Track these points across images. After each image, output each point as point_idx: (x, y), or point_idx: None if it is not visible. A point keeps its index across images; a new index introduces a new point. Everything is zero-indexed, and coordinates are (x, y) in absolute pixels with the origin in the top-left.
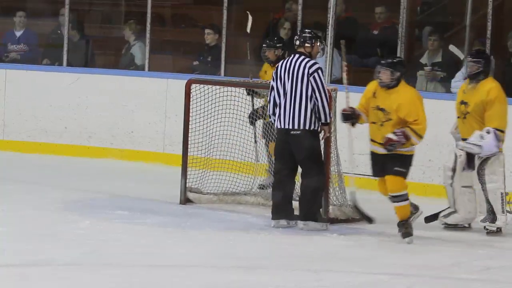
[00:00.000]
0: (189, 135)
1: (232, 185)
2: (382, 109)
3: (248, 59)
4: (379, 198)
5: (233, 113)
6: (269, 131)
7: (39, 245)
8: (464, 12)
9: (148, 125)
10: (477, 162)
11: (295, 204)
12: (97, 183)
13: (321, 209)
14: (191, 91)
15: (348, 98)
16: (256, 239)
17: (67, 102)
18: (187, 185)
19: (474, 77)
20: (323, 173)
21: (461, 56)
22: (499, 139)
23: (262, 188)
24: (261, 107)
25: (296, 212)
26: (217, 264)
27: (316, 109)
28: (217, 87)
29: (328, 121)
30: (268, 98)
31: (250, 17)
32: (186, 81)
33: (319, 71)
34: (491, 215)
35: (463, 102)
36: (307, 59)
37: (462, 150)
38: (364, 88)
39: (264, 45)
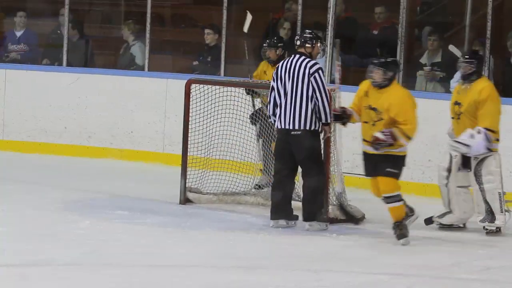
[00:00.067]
0: (189, 135)
1: (231, 185)
2: (374, 109)
3: (246, 59)
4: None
5: (233, 113)
6: (269, 131)
7: (39, 245)
8: (463, 12)
9: (147, 125)
10: (473, 163)
11: (295, 204)
12: (97, 183)
13: (322, 209)
14: (191, 91)
15: (340, 98)
16: (256, 239)
17: (66, 102)
18: (186, 185)
19: (467, 78)
20: (323, 173)
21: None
22: (489, 140)
23: (258, 188)
24: (259, 108)
25: (295, 212)
26: (217, 264)
27: (317, 109)
28: (217, 87)
29: (329, 121)
30: (268, 98)
31: (249, 16)
32: (186, 81)
33: (320, 71)
34: (490, 215)
35: (457, 103)
36: (307, 59)
37: (451, 149)
38: None
39: (265, 44)
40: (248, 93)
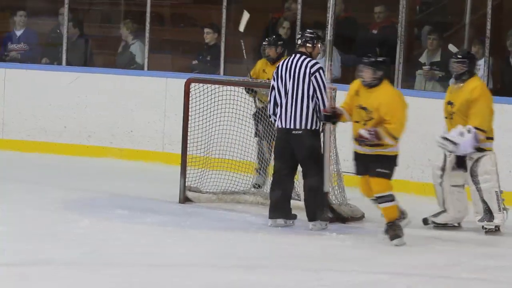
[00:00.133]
0: (188, 134)
1: (231, 184)
2: (364, 108)
3: (245, 59)
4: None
5: (232, 112)
6: (267, 130)
7: (39, 245)
8: (463, 11)
9: (147, 124)
10: (469, 163)
11: (294, 203)
12: (97, 182)
13: (324, 208)
14: (190, 90)
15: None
16: (256, 238)
17: (66, 101)
18: (186, 184)
19: (459, 77)
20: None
21: None
22: (477, 140)
23: (257, 187)
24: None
25: (294, 212)
26: (217, 264)
27: (318, 108)
28: (216, 86)
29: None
30: (269, 97)
31: (245, 15)
32: (185, 80)
33: (321, 70)
34: (488, 214)
35: (449, 103)
36: (308, 59)
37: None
38: None
39: (265, 42)
40: (248, 92)
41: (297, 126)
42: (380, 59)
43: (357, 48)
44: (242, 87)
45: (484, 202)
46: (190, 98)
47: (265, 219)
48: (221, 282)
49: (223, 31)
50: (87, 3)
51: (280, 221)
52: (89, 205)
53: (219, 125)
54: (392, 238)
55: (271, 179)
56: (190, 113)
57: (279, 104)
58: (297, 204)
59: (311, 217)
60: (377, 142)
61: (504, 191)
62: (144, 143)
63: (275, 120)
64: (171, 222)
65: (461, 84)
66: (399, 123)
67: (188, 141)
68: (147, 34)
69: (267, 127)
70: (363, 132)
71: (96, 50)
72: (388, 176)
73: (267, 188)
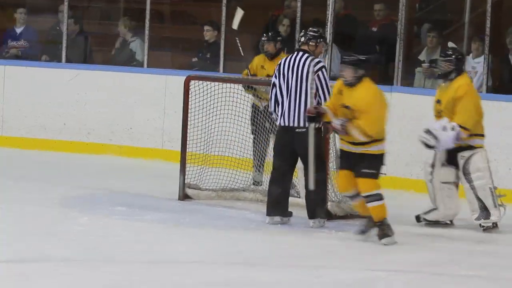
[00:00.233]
0: (188, 131)
1: (230, 181)
2: (347, 107)
3: (243, 56)
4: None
5: (232, 110)
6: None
7: (38, 242)
8: (463, 9)
9: (147, 122)
10: (461, 162)
11: (291, 200)
12: (96, 179)
13: (324, 206)
14: (190, 87)
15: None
16: (255, 235)
17: (66, 98)
18: (185, 181)
19: (446, 76)
20: (324, 170)
21: None
22: (459, 138)
23: (257, 184)
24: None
25: (291, 208)
26: (217, 261)
27: None
28: (216, 83)
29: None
30: (270, 95)
31: (238, 12)
32: (185, 77)
33: (323, 69)
34: (484, 212)
35: (438, 101)
36: (311, 57)
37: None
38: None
39: (263, 38)
40: (246, 89)
41: (301, 124)
42: (362, 57)
43: (356, 45)
44: (241, 85)
45: (479, 199)
46: (190, 96)
47: (265, 216)
48: (220, 280)
49: (222, 28)
50: (87, 0)
51: (277, 218)
52: (88, 202)
53: (219, 123)
54: (380, 238)
55: (269, 176)
56: (189, 111)
57: (280, 102)
58: (296, 201)
59: (311, 214)
60: (345, 134)
61: (504, 189)
62: (143, 140)
63: (276, 118)
64: (170, 219)
65: (450, 83)
66: (371, 120)
67: (188, 138)
68: (146, 32)
69: (261, 123)
70: (335, 122)
71: (96, 47)
72: (375, 175)
73: (266, 185)
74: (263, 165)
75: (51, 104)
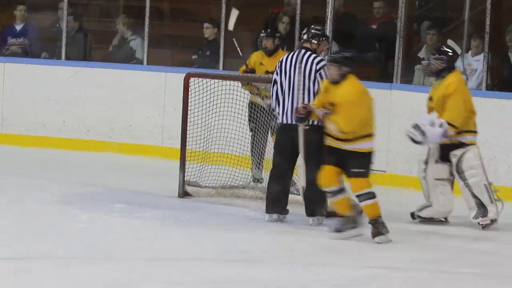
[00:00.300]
0: (188, 128)
1: (230, 178)
2: (332, 104)
3: (241, 55)
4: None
5: (231, 107)
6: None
7: (38, 239)
8: (462, 7)
9: (146, 119)
10: (453, 161)
11: (291, 197)
12: (96, 177)
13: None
14: (189, 85)
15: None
16: (255, 232)
17: (65, 95)
18: (185, 179)
19: (439, 74)
20: None
21: (459, 51)
22: (446, 135)
23: (256, 182)
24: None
25: (289, 206)
26: (217, 258)
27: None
28: (216, 81)
29: None
30: (271, 91)
31: (234, 12)
32: (184, 75)
33: (326, 67)
34: (482, 209)
35: (430, 98)
36: (314, 55)
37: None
38: (362, 82)
39: (262, 34)
40: (246, 84)
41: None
42: (346, 55)
43: (356, 43)
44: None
45: (475, 197)
46: (190, 93)
47: (264, 213)
48: (220, 277)
49: (222, 26)
50: None
51: (275, 216)
52: (88, 200)
53: (219, 120)
54: (374, 236)
55: (269, 173)
56: (189, 108)
57: (281, 100)
58: (296, 199)
59: (311, 212)
60: (334, 133)
61: (504, 187)
62: (143, 138)
63: (278, 115)
64: (170, 217)
65: (441, 80)
66: (347, 117)
67: (187, 136)
68: (146, 29)
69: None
70: (318, 112)
71: (95, 45)
72: (365, 174)
73: (266, 182)
74: (262, 162)
75: (50, 101)
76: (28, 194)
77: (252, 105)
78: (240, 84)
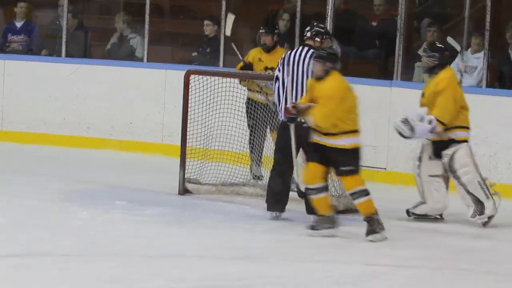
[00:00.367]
0: (188, 126)
1: (230, 176)
2: (315, 99)
3: (241, 59)
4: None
5: (231, 104)
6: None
7: (38, 236)
8: (462, 4)
9: (147, 116)
10: (445, 160)
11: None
12: (96, 174)
13: None
14: (190, 82)
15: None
16: (255, 230)
17: (66, 93)
18: (185, 176)
19: (431, 71)
20: None
21: (459, 48)
22: (434, 131)
23: (257, 179)
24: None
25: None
26: (217, 255)
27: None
28: (216, 78)
29: None
30: (273, 88)
31: (230, 17)
32: (185, 72)
33: None
34: (479, 205)
35: (422, 94)
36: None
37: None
38: (362, 80)
39: (261, 30)
40: (244, 80)
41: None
42: (329, 51)
43: (356, 40)
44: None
45: (470, 194)
46: (190, 90)
47: (265, 210)
48: (221, 274)
49: (222, 23)
50: None
51: (273, 214)
52: (88, 197)
53: (219, 117)
54: (367, 234)
55: (270, 170)
56: (189, 105)
57: (283, 97)
58: (296, 196)
59: (311, 209)
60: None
61: (504, 184)
62: (143, 135)
63: (280, 111)
64: (170, 214)
65: (434, 77)
66: (324, 112)
67: (188, 133)
68: (146, 26)
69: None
70: (303, 106)
71: (96, 42)
72: (354, 171)
73: (266, 179)
74: (261, 159)
75: (51, 98)
76: (28, 191)
77: (250, 102)
78: (239, 81)
